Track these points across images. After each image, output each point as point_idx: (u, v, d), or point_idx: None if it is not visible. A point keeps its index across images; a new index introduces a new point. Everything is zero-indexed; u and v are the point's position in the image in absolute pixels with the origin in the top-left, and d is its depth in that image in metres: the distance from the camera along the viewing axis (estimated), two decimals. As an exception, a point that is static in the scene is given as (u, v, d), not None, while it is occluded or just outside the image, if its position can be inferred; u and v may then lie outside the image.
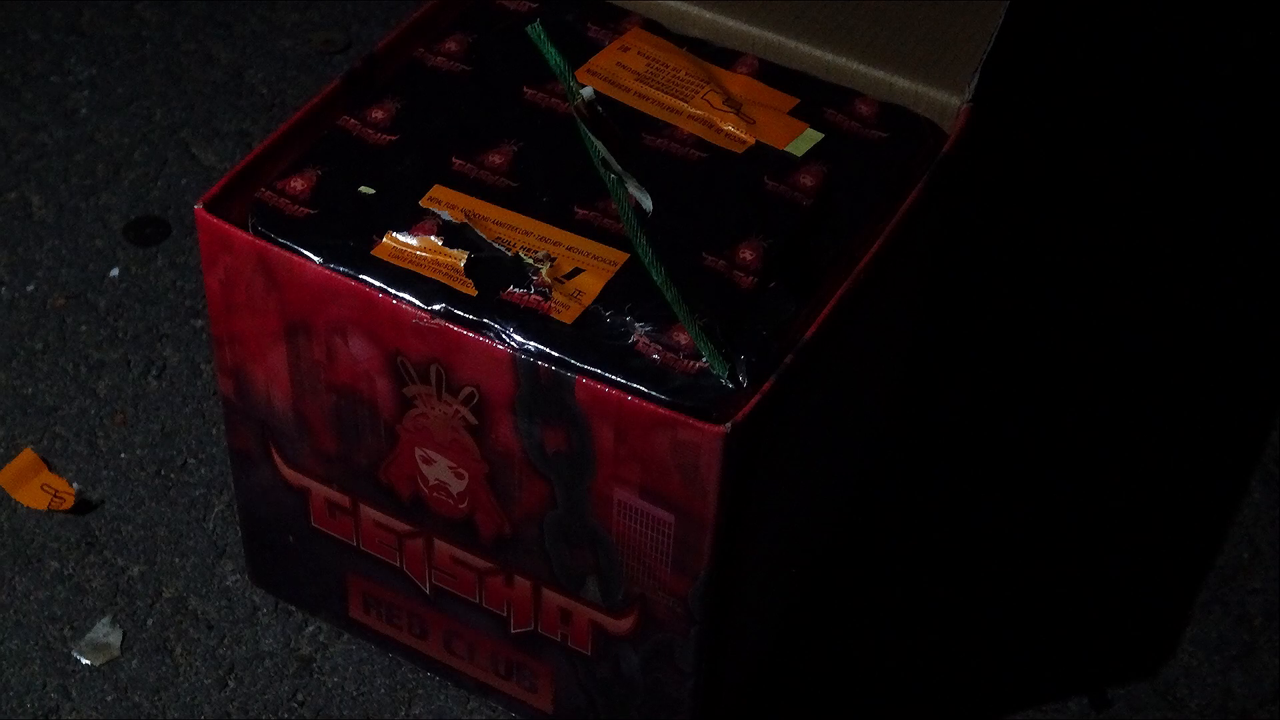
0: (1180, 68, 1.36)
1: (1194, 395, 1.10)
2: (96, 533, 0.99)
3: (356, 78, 0.87)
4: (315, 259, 0.78)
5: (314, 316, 0.79)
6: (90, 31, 1.32)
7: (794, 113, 0.87)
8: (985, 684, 0.94)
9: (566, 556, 0.80)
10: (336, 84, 0.86)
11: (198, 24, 1.33)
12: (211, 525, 0.99)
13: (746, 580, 0.82)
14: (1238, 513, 1.03)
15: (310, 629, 0.94)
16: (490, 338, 0.75)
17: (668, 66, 0.88)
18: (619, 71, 0.88)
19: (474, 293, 0.76)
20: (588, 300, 0.76)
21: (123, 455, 1.03)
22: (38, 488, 1.00)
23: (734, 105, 0.87)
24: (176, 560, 0.97)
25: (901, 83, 0.89)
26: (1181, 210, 1.23)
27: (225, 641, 0.94)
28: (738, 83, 0.89)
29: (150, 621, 0.95)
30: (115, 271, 1.14)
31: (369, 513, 0.86)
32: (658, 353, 0.75)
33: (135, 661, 0.93)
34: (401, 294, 0.76)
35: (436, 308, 0.76)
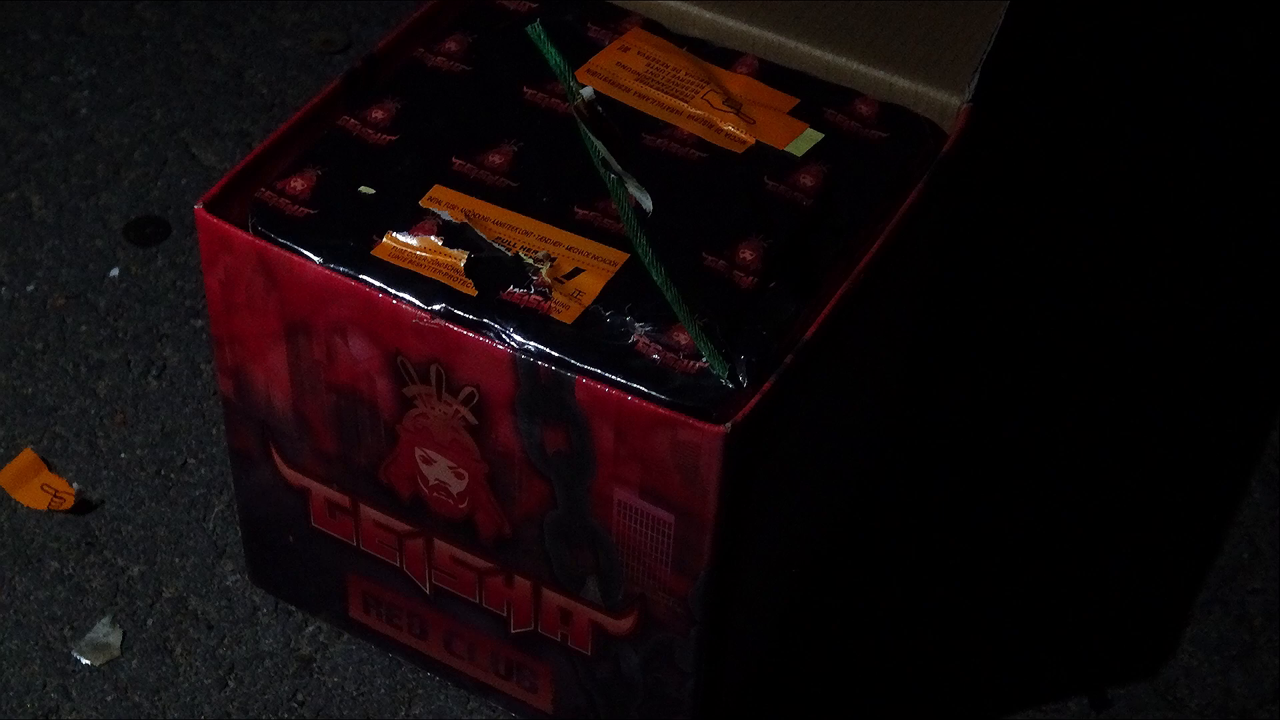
0: (1180, 68, 1.36)
1: (1194, 395, 1.10)
2: (96, 533, 0.99)
3: (356, 78, 0.87)
4: (315, 259, 0.78)
5: (314, 316, 0.79)
6: (90, 31, 1.32)
7: (794, 113, 0.87)
8: (985, 684, 0.94)
9: (566, 556, 0.80)
10: (336, 84, 0.86)
11: (198, 24, 1.33)
12: (211, 525, 0.99)
13: (746, 580, 0.82)
14: (1238, 513, 1.03)
15: (310, 629, 0.94)
16: (490, 338, 0.75)
17: (668, 66, 0.89)
18: (619, 71, 0.88)
19: (474, 293, 0.76)
20: (588, 300, 0.76)
21: (123, 455, 1.03)
22: (38, 488, 1.00)
23: (734, 105, 0.87)
24: (176, 560, 0.97)
25: (901, 83, 0.89)
26: (1181, 210, 1.23)
27: (225, 641, 0.94)
28: (738, 83, 0.89)
29: (150, 621, 0.95)
30: (115, 271, 1.14)
31: (369, 513, 0.86)
32: (658, 353, 0.75)
33: (135, 661, 0.93)
34: (401, 294, 0.76)
35: (436, 308, 0.76)
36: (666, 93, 0.87)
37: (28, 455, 1.02)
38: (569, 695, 0.87)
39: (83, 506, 1.00)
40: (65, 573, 0.97)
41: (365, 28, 1.34)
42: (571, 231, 0.79)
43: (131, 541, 0.98)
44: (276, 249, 0.78)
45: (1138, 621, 0.97)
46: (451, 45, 0.89)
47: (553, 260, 0.77)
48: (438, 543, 0.85)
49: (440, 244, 0.78)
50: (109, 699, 0.91)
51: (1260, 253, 1.20)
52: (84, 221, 1.17)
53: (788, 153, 0.85)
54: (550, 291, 0.76)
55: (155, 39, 1.32)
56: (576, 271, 0.77)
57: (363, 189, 0.81)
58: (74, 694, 0.91)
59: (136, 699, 0.91)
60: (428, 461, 0.81)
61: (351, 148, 0.83)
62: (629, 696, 0.85)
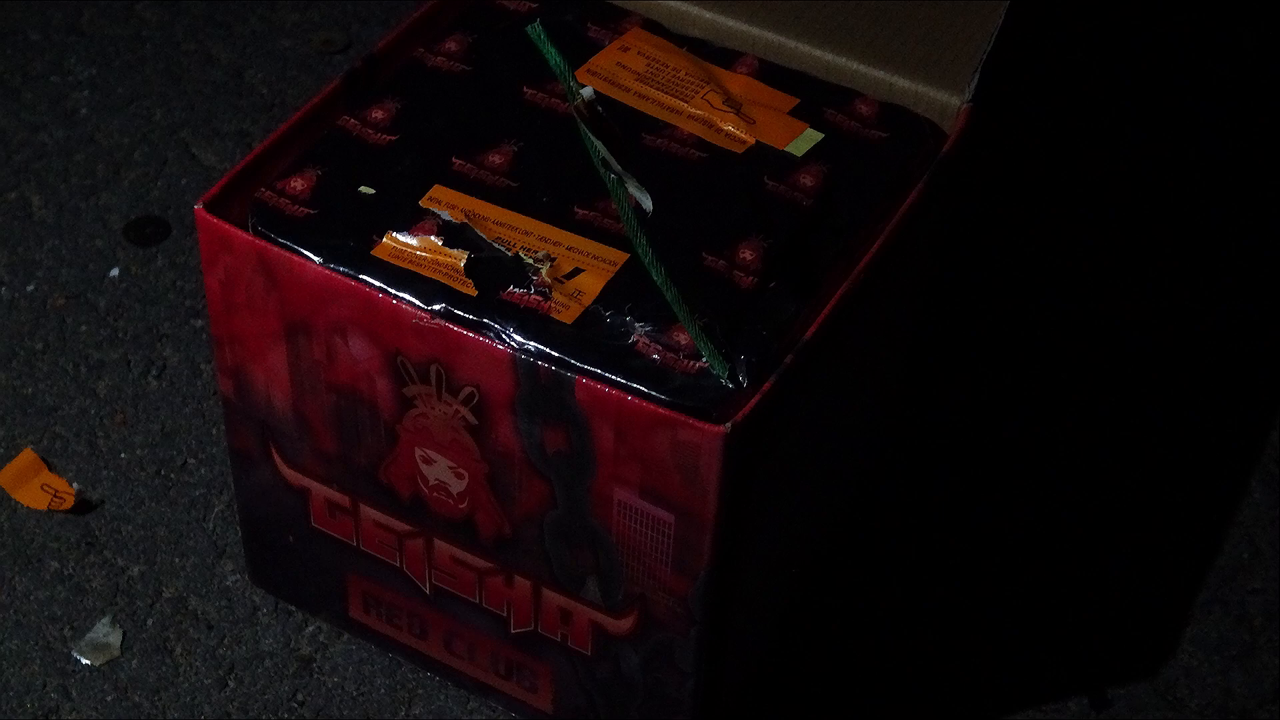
0: (1180, 68, 1.36)
1: (1194, 395, 1.10)
2: (96, 533, 0.99)
3: (356, 78, 0.87)
4: (315, 259, 0.78)
5: (314, 316, 0.79)
6: (90, 31, 1.32)
7: (794, 113, 0.87)
8: (985, 684, 0.94)
9: (566, 556, 0.80)
10: (336, 84, 0.86)
11: (198, 24, 1.33)
12: (211, 525, 0.99)
13: (746, 580, 0.82)
14: (1238, 513, 1.03)
15: (310, 629, 0.94)
16: (490, 338, 0.75)
17: (668, 66, 0.89)
18: (619, 71, 0.88)
19: (474, 293, 0.76)
20: (588, 300, 0.76)
21: (123, 455, 1.03)
22: (38, 488, 1.00)
23: (734, 105, 0.87)
24: (176, 560, 0.97)
25: (901, 83, 0.89)
26: (1181, 210, 1.23)
27: (225, 641, 0.94)
28: (738, 83, 0.89)
29: (150, 621, 0.95)
30: (115, 271, 1.14)
31: (369, 513, 0.86)
32: (658, 353, 0.75)
33: (135, 661, 0.93)
34: (401, 294, 0.76)
35: (436, 308, 0.76)
36: (666, 93, 0.87)
37: (28, 455, 1.02)
38: (569, 695, 0.87)
39: (83, 506, 1.00)
40: (65, 573, 0.97)
41: (365, 28, 1.34)
42: (571, 231, 0.79)
43: (131, 541, 0.98)
44: (276, 249, 0.78)
45: (1138, 621, 0.97)
46: (451, 45, 0.89)
47: (553, 260, 0.77)
48: (438, 543, 0.85)
49: (440, 244, 0.78)
50: (109, 699, 0.91)
51: (1260, 253, 1.20)
52: (84, 221, 1.17)
53: (788, 153, 0.85)
54: (550, 291, 0.76)
55: (155, 39, 1.32)
56: (576, 271, 0.77)
57: (363, 189, 0.81)
58: (74, 694, 0.91)
59: (136, 699, 0.91)
60: (428, 461, 0.81)
61: (351, 148, 0.83)
62: (629, 696, 0.85)
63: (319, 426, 0.83)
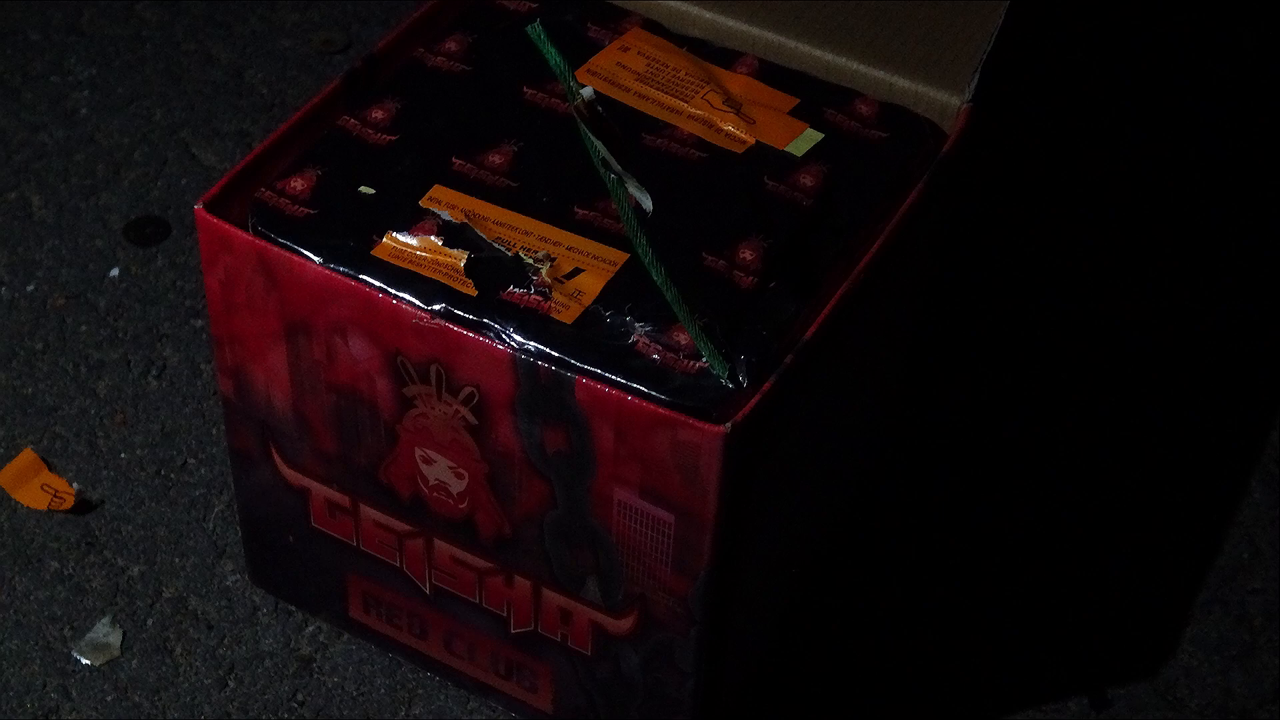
0: (1180, 68, 1.36)
1: (1194, 395, 1.10)
2: (96, 533, 0.99)
3: (356, 78, 0.87)
4: (315, 259, 0.78)
5: (314, 316, 0.79)
6: (90, 31, 1.32)
7: (794, 113, 0.87)
8: (985, 684, 0.94)
9: (566, 556, 0.80)
10: (336, 84, 0.86)
11: (198, 24, 1.33)
12: (211, 525, 0.99)
13: (746, 580, 0.82)
14: (1238, 513, 1.03)
15: (310, 629, 0.94)
16: (490, 338, 0.75)
17: (668, 66, 0.89)
18: (619, 71, 0.88)
19: (474, 293, 0.76)
20: (588, 300, 0.76)
21: (123, 455, 1.03)
22: (38, 488, 1.00)
23: (734, 105, 0.87)
24: (176, 560, 0.97)
25: (901, 83, 0.89)
26: (1181, 210, 1.23)
27: (225, 641, 0.94)
28: (738, 83, 0.89)
29: (150, 621, 0.95)
30: (115, 271, 1.14)
31: (369, 513, 0.86)
32: (658, 353, 0.75)
33: (135, 661, 0.93)
34: (401, 294, 0.76)
35: (436, 308, 0.76)
36: (666, 93, 0.87)
37: (28, 455, 1.02)
38: (569, 695, 0.87)
39: (83, 506, 1.00)
40: (65, 573, 0.97)
41: (365, 28, 1.34)
42: (571, 231, 0.79)
43: (131, 541, 0.98)
44: (276, 249, 0.78)
45: (1138, 621, 0.97)
46: (451, 45, 0.89)
47: (553, 260, 0.77)
48: (438, 543, 0.85)
49: (440, 244, 0.78)
50: (109, 699, 0.91)
51: (1260, 253, 1.20)
52: (84, 221, 1.17)
53: (788, 153, 0.85)
54: (550, 291, 0.76)
55: (155, 39, 1.32)
56: (576, 271, 0.77)
57: (363, 189, 0.81)
58: (74, 694, 0.91)
59: (136, 699, 0.91)
60: (428, 461, 0.81)
61: (351, 148, 0.83)
62: (629, 696, 0.85)
63: (319, 426, 0.84)
